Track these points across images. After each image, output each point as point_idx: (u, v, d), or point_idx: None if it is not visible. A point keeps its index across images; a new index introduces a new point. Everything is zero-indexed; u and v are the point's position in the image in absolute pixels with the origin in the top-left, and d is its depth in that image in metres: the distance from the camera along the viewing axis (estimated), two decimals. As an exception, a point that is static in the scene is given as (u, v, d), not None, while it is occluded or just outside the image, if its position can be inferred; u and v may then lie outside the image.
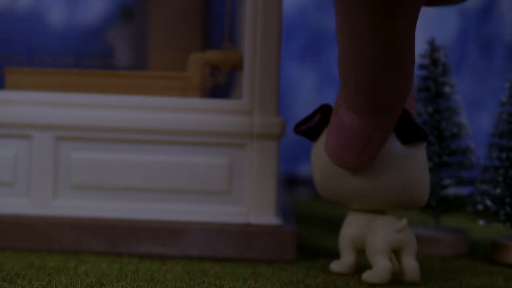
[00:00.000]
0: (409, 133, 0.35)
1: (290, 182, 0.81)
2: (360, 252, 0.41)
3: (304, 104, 0.83)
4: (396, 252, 0.38)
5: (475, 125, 0.69)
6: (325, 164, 0.37)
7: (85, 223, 0.46)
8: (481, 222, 0.48)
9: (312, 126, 0.39)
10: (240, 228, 0.45)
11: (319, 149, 0.39)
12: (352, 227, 0.39)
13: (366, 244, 0.38)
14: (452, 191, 0.50)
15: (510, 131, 0.47)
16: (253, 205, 0.46)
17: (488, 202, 0.47)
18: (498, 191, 0.47)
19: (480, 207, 0.47)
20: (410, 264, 0.38)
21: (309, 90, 0.83)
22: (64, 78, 0.48)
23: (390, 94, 0.30)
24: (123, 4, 0.80)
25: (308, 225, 0.56)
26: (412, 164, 0.36)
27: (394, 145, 0.35)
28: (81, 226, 0.45)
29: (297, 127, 0.40)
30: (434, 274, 0.43)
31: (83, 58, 0.52)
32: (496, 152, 0.47)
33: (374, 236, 0.37)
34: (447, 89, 0.50)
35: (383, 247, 0.37)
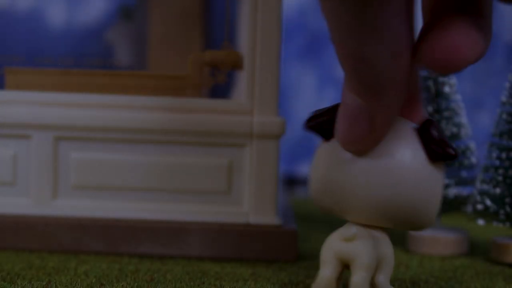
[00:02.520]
0: (439, 150, 0.32)
1: (290, 182, 0.81)
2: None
3: (304, 104, 0.83)
4: (348, 266, 0.34)
5: (475, 125, 0.69)
6: (330, 165, 0.34)
7: (85, 223, 0.46)
8: (481, 222, 0.48)
9: (322, 121, 0.34)
10: (240, 228, 0.45)
11: (329, 148, 0.34)
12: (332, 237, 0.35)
13: None
14: (452, 191, 0.49)
15: (510, 131, 0.47)
16: (253, 205, 0.46)
17: (488, 202, 0.47)
18: (498, 191, 0.47)
19: (480, 207, 0.47)
20: (353, 278, 0.33)
21: (309, 90, 0.83)
22: (64, 78, 0.48)
23: (380, 71, 0.29)
24: (123, 4, 0.80)
25: (308, 225, 0.56)
26: (433, 183, 0.33)
27: (419, 159, 0.32)
28: (81, 226, 0.45)
29: (308, 121, 0.35)
30: (434, 274, 0.42)
31: (83, 58, 0.52)
32: (496, 152, 0.47)
33: (323, 245, 0.34)
34: (447, 89, 0.50)
35: (326, 256, 0.33)
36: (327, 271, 0.33)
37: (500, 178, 0.47)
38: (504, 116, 0.47)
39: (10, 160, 0.47)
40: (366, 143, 0.32)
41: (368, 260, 0.33)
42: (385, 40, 0.29)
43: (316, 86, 0.83)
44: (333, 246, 0.33)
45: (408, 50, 0.30)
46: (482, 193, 0.47)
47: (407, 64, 0.30)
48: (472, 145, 0.50)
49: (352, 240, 0.33)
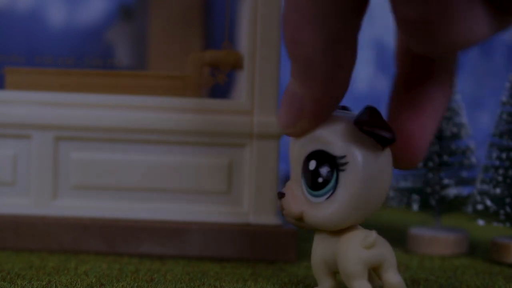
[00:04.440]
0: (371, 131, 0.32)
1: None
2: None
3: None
4: (375, 269, 0.33)
5: (475, 125, 0.69)
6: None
7: (85, 223, 0.46)
8: (481, 222, 0.48)
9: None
10: (239, 228, 0.45)
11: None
12: (322, 248, 0.35)
13: (339, 267, 0.33)
14: (452, 191, 0.49)
15: (510, 131, 0.47)
16: (253, 205, 0.46)
17: (488, 202, 0.47)
18: (498, 191, 0.47)
19: (480, 207, 0.47)
20: (394, 279, 0.33)
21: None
22: (64, 78, 0.48)
23: (310, 58, 0.31)
24: (123, 4, 0.80)
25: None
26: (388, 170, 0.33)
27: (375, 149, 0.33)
28: (81, 226, 0.45)
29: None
30: (434, 274, 0.43)
31: (83, 58, 0.52)
32: (496, 152, 0.47)
33: (345, 259, 0.33)
34: (447, 89, 0.50)
35: (357, 270, 0.32)
36: (366, 284, 0.33)
37: (500, 178, 0.47)
38: (504, 116, 0.47)
39: (10, 160, 0.47)
40: (297, 128, 0.34)
41: (395, 258, 0.33)
42: (319, 29, 0.30)
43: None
44: (361, 257, 0.33)
45: (343, 45, 0.31)
46: (482, 193, 0.47)
47: (340, 58, 0.31)
48: (472, 145, 0.50)
49: (374, 245, 0.33)
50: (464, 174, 0.50)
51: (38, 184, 0.47)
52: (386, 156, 0.33)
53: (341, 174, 0.32)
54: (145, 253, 0.45)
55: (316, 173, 0.33)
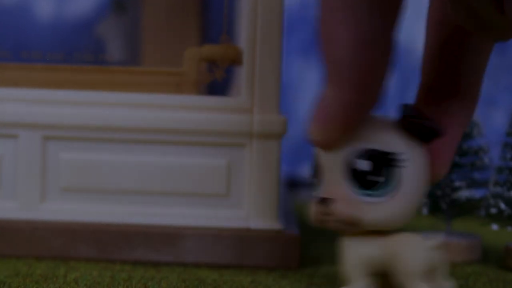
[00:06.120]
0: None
1: (292, 184, 0.81)
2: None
3: (307, 102, 0.83)
4: (429, 272, 0.34)
5: (488, 123, 0.69)
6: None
7: (74, 227, 0.46)
8: (495, 227, 0.48)
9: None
10: (239, 233, 0.46)
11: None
12: (368, 248, 0.35)
13: (399, 267, 0.34)
14: (464, 193, 0.50)
15: (525, 130, 0.47)
16: (252, 209, 0.46)
17: (502, 205, 0.47)
18: (512, 193, 0.47)
19: (493, 210, 0.47)
20: (448, 283, 0.35)
21: (312, 86, 0.83)
22: (52, 74, 0.48)
23: (339, 55, 0.31)
24: (116, -5, 0.80)
25: (311, 230, 0.56)
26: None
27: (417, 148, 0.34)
28: (70, 231, 0.46)
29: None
30: (445, 282, 0.43)
31: (73, 53, 0.52)
32: (510, 152, 0.48)
33: (411, 258, 0.34)
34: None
35: (421, 270, 0.33)
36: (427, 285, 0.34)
37: (514, 180, 0.47)
38: (519, 114, 0.48)
39: (-4, 161, 0.47)
40: (325, 136, 0.34)
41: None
42: (352, 29, 0.31)
43: (319, 82, 0.83)
44: (428, 257, 0.34)
45: (376, 46, 0.31)
46: (496, 196, 0.47)
47: (372, 60, 0.31)
48: (485, 145, 0.50)
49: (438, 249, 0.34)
50: (477, 175, 0.50)
51: (25, 186, 0.47)
52: (426, 156, 0.34)
53: (402, 171, 0.33)
54: (138, 260, 0.46)
55: (372, 172, 0.33)
